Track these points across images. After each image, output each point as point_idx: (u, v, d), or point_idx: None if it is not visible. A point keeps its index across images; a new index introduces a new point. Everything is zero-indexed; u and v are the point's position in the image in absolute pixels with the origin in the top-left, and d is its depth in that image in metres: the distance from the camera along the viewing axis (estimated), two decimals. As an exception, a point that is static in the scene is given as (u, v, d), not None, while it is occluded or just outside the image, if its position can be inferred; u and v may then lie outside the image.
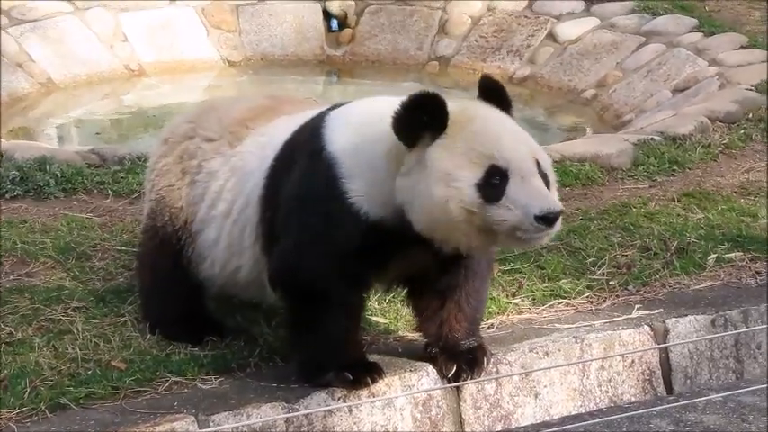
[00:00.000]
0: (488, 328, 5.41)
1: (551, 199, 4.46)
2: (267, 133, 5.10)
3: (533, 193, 4.41)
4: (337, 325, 4.74)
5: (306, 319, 4.76)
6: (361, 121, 4.73)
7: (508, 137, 4.52)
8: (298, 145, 4.85)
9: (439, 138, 4.46)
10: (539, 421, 5.11)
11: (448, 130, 4.47)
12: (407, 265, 4.76)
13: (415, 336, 5.24)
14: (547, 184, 4.52)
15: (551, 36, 11.44)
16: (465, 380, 4.90)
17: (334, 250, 4.62)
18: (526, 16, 11.78)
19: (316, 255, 4.66)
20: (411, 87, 11.52)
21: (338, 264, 4.63)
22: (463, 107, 4.61)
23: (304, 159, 4.74)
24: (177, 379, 4.89)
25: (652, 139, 8.01)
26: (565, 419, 5.12)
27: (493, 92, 4.73)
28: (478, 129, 4.50)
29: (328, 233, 4.63)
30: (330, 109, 4.88)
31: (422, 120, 4.46)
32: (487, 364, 4.94)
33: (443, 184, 4.40)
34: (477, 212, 4.40)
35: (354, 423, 4.77)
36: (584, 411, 5.20)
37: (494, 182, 4.41)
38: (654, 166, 7.63)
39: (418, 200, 4.45)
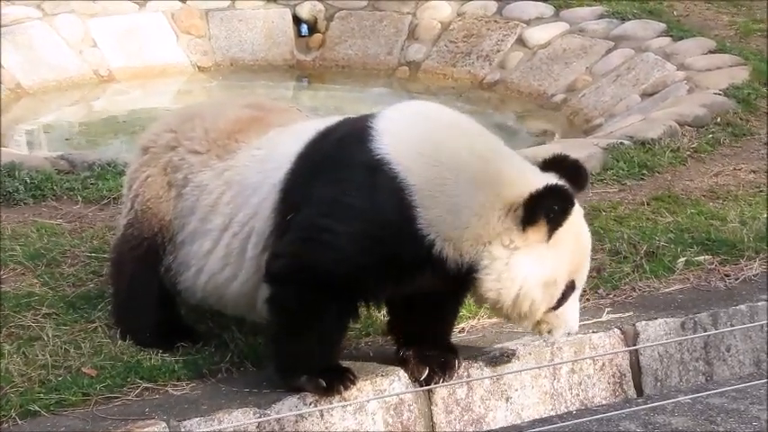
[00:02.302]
0: (459, 332, 5.42)
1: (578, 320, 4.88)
2: (264, 146, 5.09)
3: (575, 315, 4.84)
4: (333, 330, 4.78)
5: (299, 321, 4.74)
6: (426, 139, 4.75)
7: (589, 253, 4.82)
8: (329, 158, 4.80)
9: (554, 235, 4.58)
10: (509, 425, 5.13)
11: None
12: (420, 287, 4.79)
13: (387, 339, 5.25)
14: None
15: (521, 41, 11.46)
16: (437, 383, 4.91)
17: (377, 263, 4.61)
18: (496, 21, 11.80)
19: (351, 263, 4.62)
20: (381, 93, 11.58)
21: (369, 275, 4.65)
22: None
23: (352, 172, 4.69)
24: (148, 385, 4.88)
25: (621, 143, 8.04)
26: (534, 422, 5.14)
27: (573, 173, 4.77)
28: (578, 239, 4.72)
29: (378, 245, 4.60)
30: (364, 120, 4.87)
31: (551, 210, 4.57)
32: (459, 368, 4.96)
33: (544, 287, 4.64)
34: (540, 312, 4.70)
35: (326, 428, 4.78)
36: (554, 414, 5.22)
37: (565, 294, 4.72)
38: (623, 170, 7.66)
39: (506, 278, 4.59)
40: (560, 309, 4.72)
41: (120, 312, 5.36)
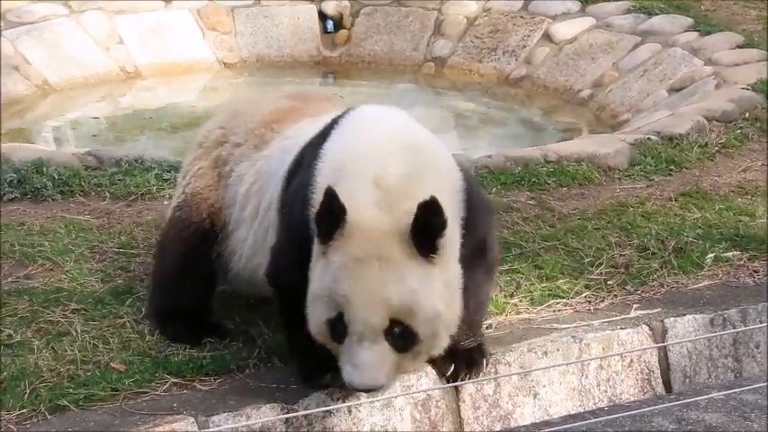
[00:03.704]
0: (487, 328, 5.40)
1: (364, 375, 4.31)
2: (292, 136, 5.13)
3: (354, 362, 4.32)
4: None
5: (291, 322, 4.74)
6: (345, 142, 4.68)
7: (365, 296, 4.29)
8: (306, 150, 4.82)
9: (327, 248, 4.36)
10: (538, 421, 5.11)
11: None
12: None
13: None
14: (409, 339, 4.34)
15: (547, 36, 11.44)
16: (463, 379, 4.87)
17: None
18: (522, 16, 11.78)
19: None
20: (407, 88, 11.57)
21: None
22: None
23: (305, 170, 4.69)
24: (176, 380, 4.88)
25: (649, 138, 8.01)
26: (566, 418, 5.12)
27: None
28: (350, 266, 4.31)
29: (298, 242, 4.55)
30: (341, 115, 4.84)
31: (320, 221, 4.36)
32: (486, 365, 4.93)
33: (317, 301, 4.39)
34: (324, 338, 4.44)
35: (354, 424, 4.77)
36: (583, 411, 5.20)
37: (337, 327, 4.35)
38: (651, 165, 7.63)
39: None
40: (344, 349, 4.37)
41: (157, 294, 5.41)
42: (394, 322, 4.30)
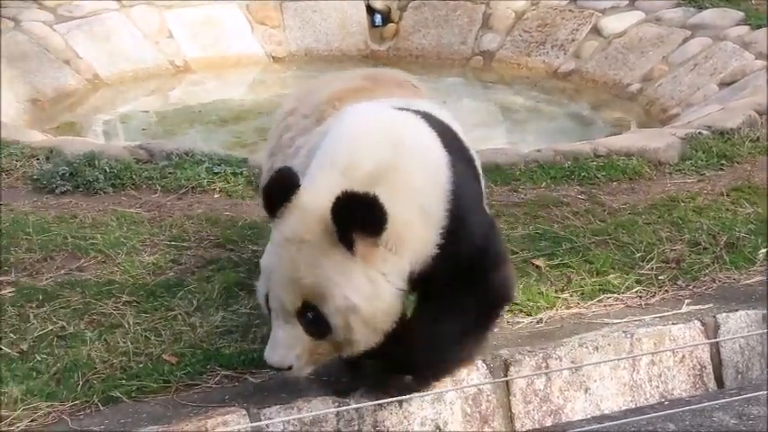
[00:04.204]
0: (537, 323, 5.40)
1: (273, 353, 4.34)
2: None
3: (270, 338, 4.36)
4: None
5: None
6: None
7: (278, 276, 4.32)
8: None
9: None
10: (589, 416, 5.09)
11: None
12: None
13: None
14: (321, 325, 4.30)
15: (596, 30, 11.40)
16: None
17: None
18: (570, 10, 11.75)
19: None
20: (455, 82, 11.56)
21: None
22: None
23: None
24: (228, 373, 4.89)
25: (700, 133, 7.96)
26: (626, 412, 5.09)
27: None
28: (274, 248, 4.35)
29: None
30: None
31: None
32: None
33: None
34: None
35: (404, 417, 4.77)
36: (634, 406, 5.17)
37: (269, 304, 4.39)
38: (702, 160, 7.59)
39: None
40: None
41: None
42: (307, 306, 4.27)
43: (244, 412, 4.54)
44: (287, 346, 4.32)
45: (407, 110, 4.65)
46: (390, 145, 4.40)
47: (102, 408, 4.63)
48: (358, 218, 4.15)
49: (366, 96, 5.12)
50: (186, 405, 4.63)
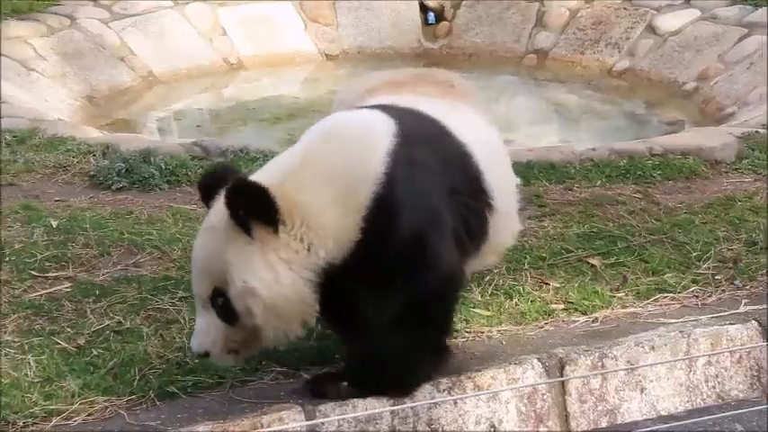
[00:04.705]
0: (592, 322, 5.37)
1: (193, 339, 4.49)
2: None
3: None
4: None
5: None
6: None
7: (193, 260, 4.52)
8: None
9: None
10: (645, 416, 5.06)
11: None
12: None
13: (520, 327, 5.24)
14: (230, 311, 4.37)
15: (651, 28, 11.33)
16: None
17: None
18: (625, 8, 11.68)
19: None
20: (508, 80, 11.53)
21: None
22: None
23: None
24: (282, 369, 4.90)
25: (756, 131, 7.90)
26: (692, 412, 5.05)
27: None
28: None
29: None
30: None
31: None
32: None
33: None
34: None
35: (459, 415, 4.76)
36: (690, 407, 5.13)
37: None
38: (759, 159, 7.52)
39: None
40: None
41: None
42: (217, 292, 4.37)
43: (299, 409, 4.54)
44: (203, 332, 4.44)
45: (380, 107, 4.71)
46: (322, 141, 4.52)
47: (158, 403, 4.65)
48: (248, 205, 4.25)
49: (392, 91, 5.10)
50: (242, 401, 4.64)
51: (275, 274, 4.31)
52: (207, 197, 4.50)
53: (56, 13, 11.18)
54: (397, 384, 4.65)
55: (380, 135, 4.51)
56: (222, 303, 4.38)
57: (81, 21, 11.10)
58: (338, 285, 4.42)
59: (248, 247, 4.31)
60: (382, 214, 4.39)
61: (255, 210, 4.27)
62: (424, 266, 4.46)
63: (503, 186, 4.91)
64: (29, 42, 10.55)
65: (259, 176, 4.45)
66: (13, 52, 10.32)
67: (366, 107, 4.80)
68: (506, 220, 4.96)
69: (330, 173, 4.40)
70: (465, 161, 4.75)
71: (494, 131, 5.16)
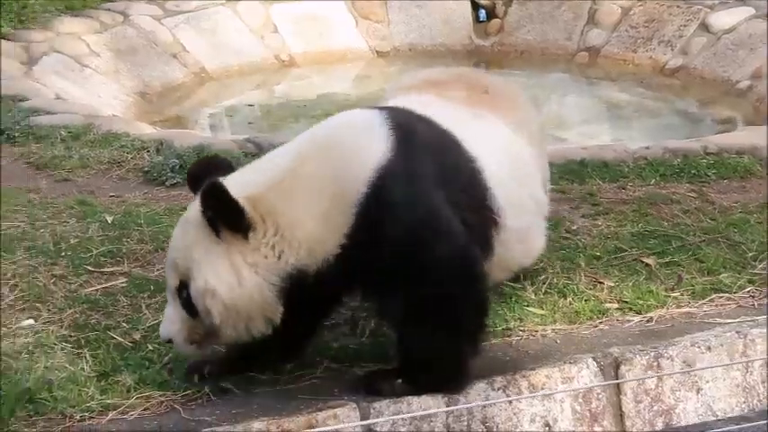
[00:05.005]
0: (647, 321, 5.34)
1: (161, 326, 4.61)
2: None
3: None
4: None
5: None
6: None
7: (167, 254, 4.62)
8: None
9: None
10: (701, 417, 5.02)
11: None
12: None
13: (575, 326, 5.22)
14: (191, 305, 4.47)
15: (704, 26, 11.25)
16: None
17: None
18: (678, 6, 11.61)
19: None
20: (559, 78, 11.49)
21: None
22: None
23: None
24: (336, 366, 4.90)
25: (812, 131, 7.83)
26: (762, 414, 5.00)
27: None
28: None
29: None
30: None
31: None
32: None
33: None
34: None
35: (514, 414, 4.75)
36: (746, 409, 5.09)
37: None
38: (815, 158, 7.45)
39: None
40: None
41: None
42: (182, 284, 4.47)
43: (354, 406, 4.54)
44: (169, 320, 4.55)
45: (387, 112, 4.66)
46: (312, 149, 4.52)
47: (212, 398, 4.66)
48: (217, 209, 4.32)
49: (422, 91, 5.05)
50: (296, 397, 4.64)
51: (238, 277, 4.38)
52: (194, 188, 4.56)
53: (109, 10, 11.26)
54: (446, 382, 4.65)
55: (370, 150, 4.49)
56: (186, 296, 4.47)
57: (134, 17, 11.17)
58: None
59: (215, 247, 4.38)
60: (367, 232, 4.41)
61: (223, 215, 4.34)
62: (420, 275, 4.47)
63: (519, 202, 4.88)
64: (82, 39, 10.63)
65: (245, 177, 4.52)
66: (67, 48, 10.41)
67: (373, 110, 4.74)
68: (521, 238, 4.94)
69: (313, 187, 4.44)
70: (468, 174, 4.70)
71: (518, 144, 5.06)
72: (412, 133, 4.60)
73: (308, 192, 4.42)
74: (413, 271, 4.46)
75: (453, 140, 4.74)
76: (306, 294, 4.50)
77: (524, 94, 5.60)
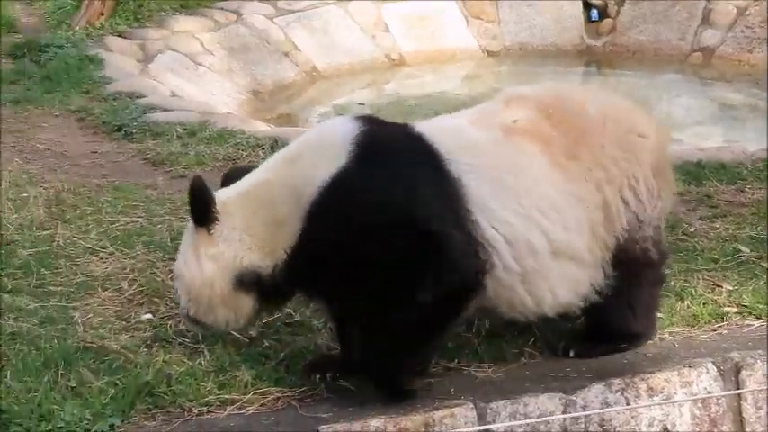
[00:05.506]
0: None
1: None
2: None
3: None
4: None
5: None
6: None
7: None
8: None
9: None
10: (825, 425, 4.93)
11: None
12: None
13: (693, 330, 5.15)
14: None
15: (822, 25, 11.06)
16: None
17: None
18: (796, 5, 11.42)
19: None
20: (672, 79, 11.35)
21: None
22: None
23: None
24: (451, 365, 4.89)
25: None
26: None
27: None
28: None
29: None
30: None
31: None
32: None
33: None
34: None
35: (632, 417, 4.70)
36: None
37: None
38: None
39: None
40: None
41: None
42: None
43: (471, 405, 4.52)
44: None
45: (360, 119, 4.68)
46: (282, 163, 4.70)
47: (329, 395, 4.68)
48: (190, 202, 4.68)
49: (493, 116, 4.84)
50: (412, 396, 4.63)
51: (200, 266, 4.67)
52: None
53: (222, 9, 11.40)
54: (380, 390, 4.63)
55: (329, 162, 4.54)
56: None
57: (247, 16, 11.29)
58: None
59: (190, 237, 4.73)
60: (309, 241, 4.55)
61: (193, 207, 4.68)
62: (354, 287, 4.53)
63: (523, 241, 4.58)
64: (197, 37, 10.78)
65: (243, 179, 4.76)
66: (182, 46, 10.56)
67: (351, 122, 4.68)
68: (527, 281, 4.63)
69: (273, 195, 4.62)
70: (451, 211, 4.53)
71: (549, 178, 4.63)
72: (377, 147, 4.56)
73: (267, 199, 4.62)
74: (346, 283, 4.53)
75: (431, 162, 4.56)
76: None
77: (611, 127, 4.84)
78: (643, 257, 4.85)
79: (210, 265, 4.64)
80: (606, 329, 4.91)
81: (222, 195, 4.71)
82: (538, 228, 4.60)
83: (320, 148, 4.63)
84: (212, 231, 4.64)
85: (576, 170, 4.69)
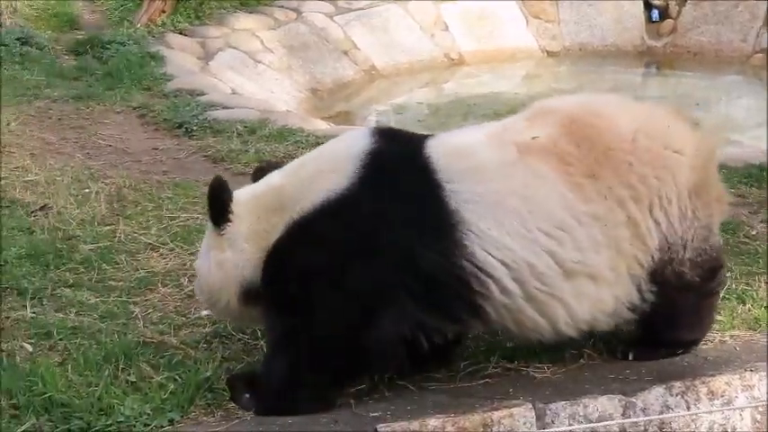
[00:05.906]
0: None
1: None
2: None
3: None
4: None
5: None
6: None
7: None
8: None
9: None
10: None
11: None
12: None
13: (753, 334, 5.11)
14: None
15: None
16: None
17: None
18: None
19: None
20: (733, 80, 11.25)
21: None
22: None
23: None
24: (510, 366, 4.87)
25: None
26: None
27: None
28: None
29: None
30: None
31: None
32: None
33: None
34: None
35: (692, 420, 4.65)
36: None
37: None
38: None
39: None
40: None
41: None
42: None
43: (530, 406, 4.50)
44: None
45: (379, 132, 4.67)
46: (290, 173, 4.66)
47: (387, 394, 4.67)
48: (208, 198, 4.66)
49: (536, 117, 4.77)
50: (471, 395, 4.62)
51: (209, 264, 4.67)
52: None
53: (282, 7, 11.45)
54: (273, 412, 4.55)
55: (344, 173, 4.51)
56: None
57: (306, 14, 11.33)
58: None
59: (211, 236, 4.67)
60: (276, 263, 4.54)
61: (210, 206, 4.65)
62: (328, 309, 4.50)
63: (532, 264, 4.49)
64: (256, 35, 10.83)
65: (265, 179, 4.74)
66: (242, 44, 10.61)
67: (364, 136, 4.66)
68: (538, 302, 4.55)
69: (273, 204, 4.59)
70: (445, 235, 4.49)
71: (562, 200, 4.50)
72: (373, 176, 4.51)
73: (265, 212, 4.59)
74: (291, 300, 4.52)
75: (428, 194, 4.51)
76: None
77: (643, 143, 4.63)
78: (676, 281, 4.69)
79: (218, 272, 4.63)
80: (658, 338, 4.87)
81: (241, 195, 4.67)
82: (544, 249, 4.50)
83: (324, 162, 4.62)
84: (223, 233, 4.60)
85: (593, 189, 4.54)
